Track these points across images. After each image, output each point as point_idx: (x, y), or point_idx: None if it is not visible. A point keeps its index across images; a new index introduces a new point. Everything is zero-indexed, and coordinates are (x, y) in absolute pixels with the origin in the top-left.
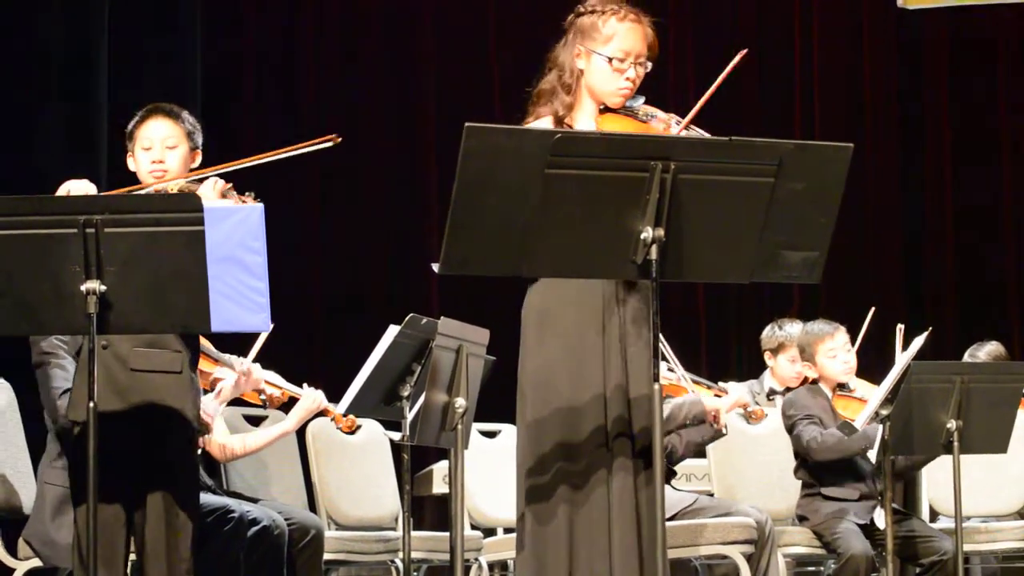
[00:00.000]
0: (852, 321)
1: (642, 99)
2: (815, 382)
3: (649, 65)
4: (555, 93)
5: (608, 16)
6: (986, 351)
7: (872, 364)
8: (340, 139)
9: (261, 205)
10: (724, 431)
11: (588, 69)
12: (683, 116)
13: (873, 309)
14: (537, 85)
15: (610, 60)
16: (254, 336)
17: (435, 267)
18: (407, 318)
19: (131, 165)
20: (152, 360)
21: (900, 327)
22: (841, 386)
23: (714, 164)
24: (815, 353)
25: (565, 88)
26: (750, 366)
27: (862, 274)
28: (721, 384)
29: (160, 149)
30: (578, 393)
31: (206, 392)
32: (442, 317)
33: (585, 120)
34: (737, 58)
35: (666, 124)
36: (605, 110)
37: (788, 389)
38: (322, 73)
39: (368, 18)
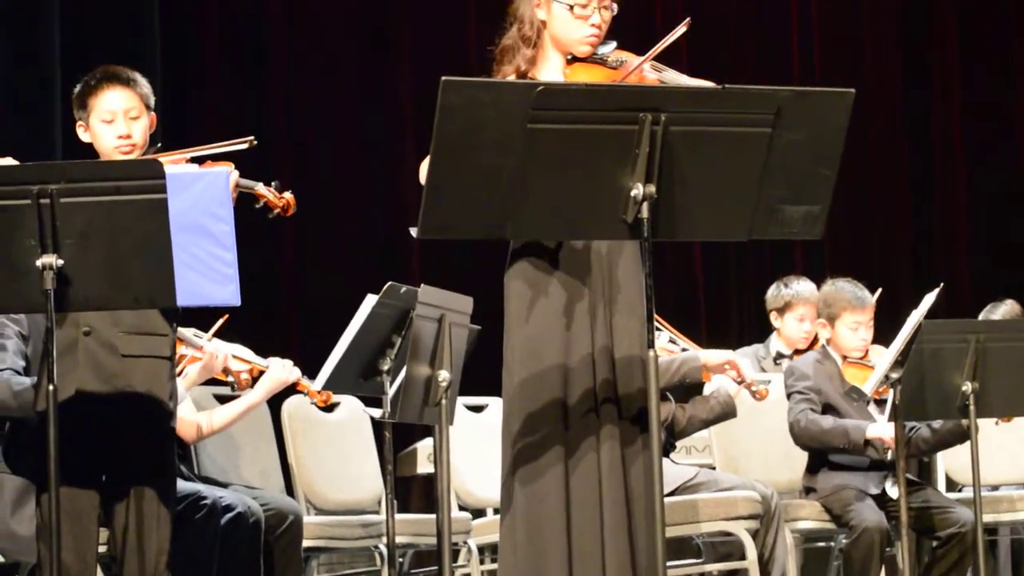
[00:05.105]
0: (857, 278)
1: (613, 44)
2: (824, 345)
3: (615, 7)
4: (517, 48)
5: None
6: (1002, 311)
7: (882, 325)
8: (256, 142)
9: (227, 168)
10: (735, 411)
11: (550, 19)
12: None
13: (880, 291)
14: (500, 43)
15: (571, 7)
16: (217, 310)
17: (413, 231)
18: (385, 287)
19: (82, 135)
20: (144, 345)
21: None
22: None
23: (707, 114)
24: (837, 317)
25: (526, 41)
26: (751, 330)
27: (866, 230)
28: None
29: (124, 121)
30: (568, 357)
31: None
32: (422, 285)
33: (551, 73)
34: (681, 28)
35: (639, 72)
36: (573, 60)
37: (797, 351)
38: (293, 35)
39: None
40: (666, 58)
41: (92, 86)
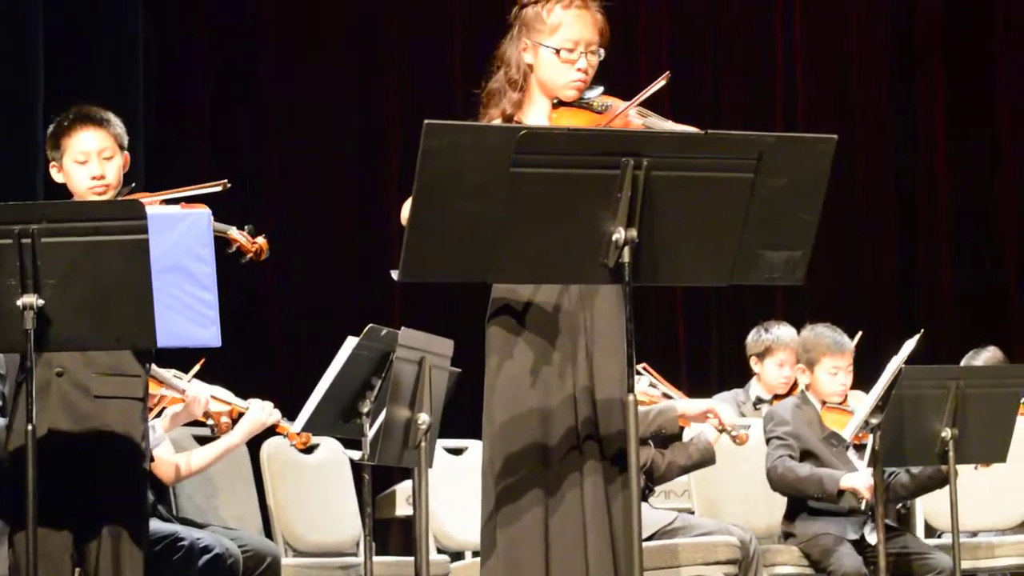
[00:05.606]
0: (838, 324)
1: (600, 89)
2: (804, 390)
3: (602, 53)
4: (503, 92)
5: (552, 5)
6: (983, 357)
7: (863, 372)
8: (229, 184)
9: (208, 210)
10: (714, 458)
11: (537, 63)
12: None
13: (860, 334)
14: (486, 86)
15: (558, 51)
16: (194, 350)
17: (394, 274)
18: (366, 329)
19: (55, 176)
20: (117, 386)
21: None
22: None
23: (690, 159)
24: (816, 362)
25: (512, 84)
26: (731, 375)
27: (850, 276)
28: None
29: (98, 162)
30: (549, 400)
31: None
32: (403, 327)
33: (537, 117)
34: (660, 81)
35: (624, 117)
36: (559, 104)
37: (776, 396)
38: (278, 76)
39: (330, 14)
40: (651, 103)
41: (65, 127)
